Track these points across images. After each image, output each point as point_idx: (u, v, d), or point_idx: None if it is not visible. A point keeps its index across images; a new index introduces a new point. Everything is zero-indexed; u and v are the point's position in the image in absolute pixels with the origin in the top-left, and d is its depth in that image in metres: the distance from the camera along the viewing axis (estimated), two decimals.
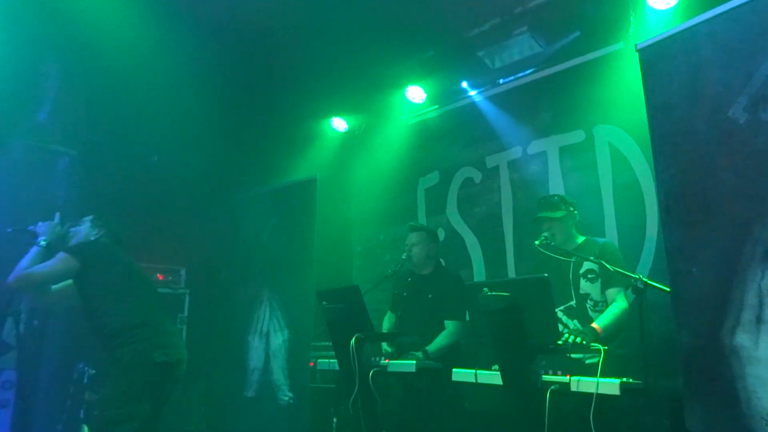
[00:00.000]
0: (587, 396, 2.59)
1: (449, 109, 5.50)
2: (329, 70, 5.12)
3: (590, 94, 4.40)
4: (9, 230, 3.76)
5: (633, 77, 3.44)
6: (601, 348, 2.75)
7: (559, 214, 3.54)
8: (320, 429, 4.21)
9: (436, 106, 5.55)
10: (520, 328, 2.72)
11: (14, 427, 4.79)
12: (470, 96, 5.28)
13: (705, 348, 2.50)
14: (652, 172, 3.88)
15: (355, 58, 4.91)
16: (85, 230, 3.71)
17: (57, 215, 3.71)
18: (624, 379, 2.59)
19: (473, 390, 3.20)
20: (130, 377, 3.22)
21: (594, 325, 3.19)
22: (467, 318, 3.89)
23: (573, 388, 2.68)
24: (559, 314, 3.50)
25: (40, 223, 3.60)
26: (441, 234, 5.21)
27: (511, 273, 4.78)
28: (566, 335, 2.97)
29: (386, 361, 3.63)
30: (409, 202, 5.67)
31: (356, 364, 3.41)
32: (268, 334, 5.31)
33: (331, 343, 3.80)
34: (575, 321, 3.44)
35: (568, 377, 2.71)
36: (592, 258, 3.33)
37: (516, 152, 4.94)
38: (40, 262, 3.40)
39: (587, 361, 3.18)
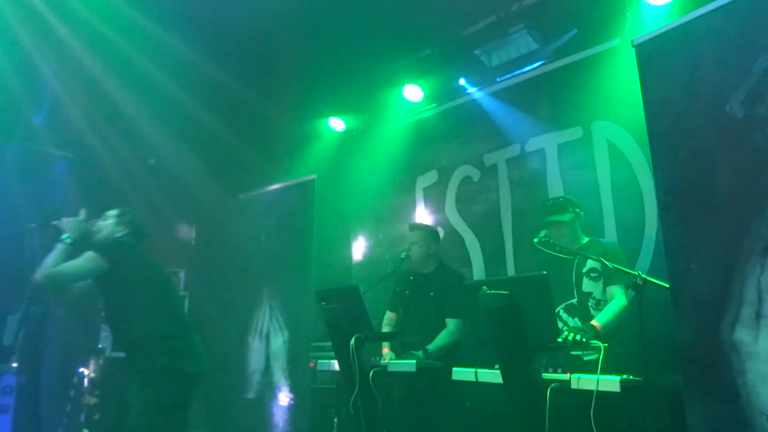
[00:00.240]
0: (587, 393, 2.59)
1: (447, 108, 5.48)
2: (326, 70, 5.11)
3: (588, 91, 4.39)
4: (33, 225, 3.60)
5: (630, 73, 3.44)
6: (601, 345, 2.75)
7: (567, 217, 3.56)
8: (321, 429, 4.22)
9: (434, 105, 5.54)
10: (519, 326, 2.71)
11: (16, 430, 4.79)
12: (468, 94, 5.27)
13: (705, 344, 2.50)
14: (650, 169, 3.87)
15: (352, 57, 4.91)
16: (110, 226, 3.50)
17: (83, 212, 3.51)
18: (624, 376, 2.59)
19: (474, 389, 3.20)
20: (162, 388, 3.13)
21: (594, 322, 3.19)
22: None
23: (573, 386, 2.67)
24: (561, 312, 3.51)
25: (63, 219, 3.40)
26: (440, 233, 5.20)
27: (511, 271, 4.77)
28: (566, 333, 2.97)
29: (387, 361, 3.63)
30: (408, 201, 5.66)
31: (356, 364, 3.41)
32: (268, 335, 5.31)
33: (330, 344, 3.80)
34: (576, 319, 3.44)
35: (568, 375, 2.71)
36: (592, 255, 3.33)
37: (514, 150, 4.93)
38: (65, 260, 3.24)
39: (586, 358, 3.18)
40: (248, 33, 4.77)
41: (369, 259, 5.87)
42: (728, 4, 2.56)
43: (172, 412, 3.16)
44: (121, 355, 5.07)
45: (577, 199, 3.71)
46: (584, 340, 2.91)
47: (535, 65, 4.79)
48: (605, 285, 3.42)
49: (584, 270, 3.50)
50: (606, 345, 2.77)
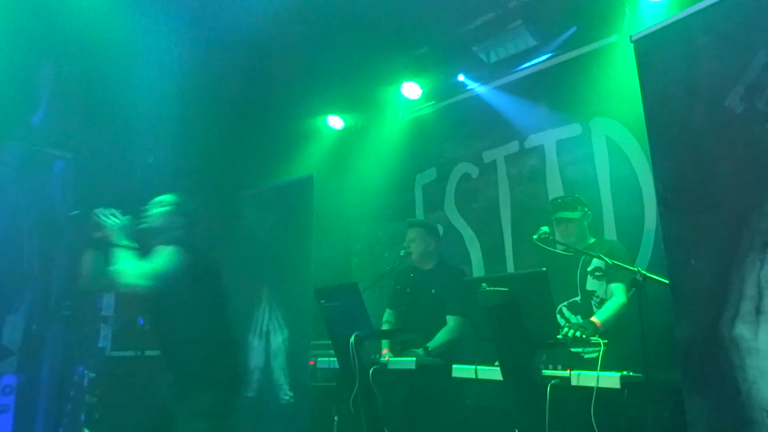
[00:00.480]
0: (588, 390, 2.59)
1: (445, 105, 5.48)
2: (324, 68, 5.10)
3: (586, 87, 4.39)
4: (74, 213, 3.20)
5: (629, 69, 3.43)
6: (601, 342, 2.75)
7: (576, 214, 3.58)
8: (321, 427, 4.21)
9: (432, 102, 5.54)
10: (519, 323, 2.71)
11: (16, 430, 4.79)
12: (466, 91, 5.26)
13: (704, 340, 2.49)
14: (649, 164, 3.87)
15: (350, 55, 4.90)
16: (167, 216, 3.21)
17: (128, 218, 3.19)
18: (624, 373, 2.59)
19: (474, 386, 3.20)
20: (220, 394, 2.97)
21: (593, 319, 3.19)
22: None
23: (573, 383, 2.68)
24: (563, 309, 3.52)
25: (101, 209, 3.09)
26: (439, 230, 5.20)
27: (510, 268, 4.77)
28: (566, 329, 2.97)
29: (386, 358, 3.63)
30: (407, 199, 5.66)
31: (356, 362, 3.41)
32: (267, 333, 5.31)
33: (330, 342, 3.79)
34: (578, 316, 3.45)
35: (568, 372, 2.71)
36: (591, 252, 3.34)
37: (513, 147, 4.92)
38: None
39: (587, 356, 3.19)
40: (246, 31, 4.76)
41: (368, 257, 5.87)
42: None
43: (226, 419, 3.02)
44: (123, 354, 5.10)
45: (585, 199, 3.73)
46: (584, 336, 2.91)
47: (534, 62, 4.79)
48: (607, 283, 3.42)
49: (589, 269, 3.51)
50: (606, 342, 2.77)
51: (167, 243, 3.05)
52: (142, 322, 5.24)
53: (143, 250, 3.08)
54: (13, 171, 4.98)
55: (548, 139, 4.69)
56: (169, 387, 3.07)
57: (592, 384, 2.58)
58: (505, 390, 2.88)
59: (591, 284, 3.47)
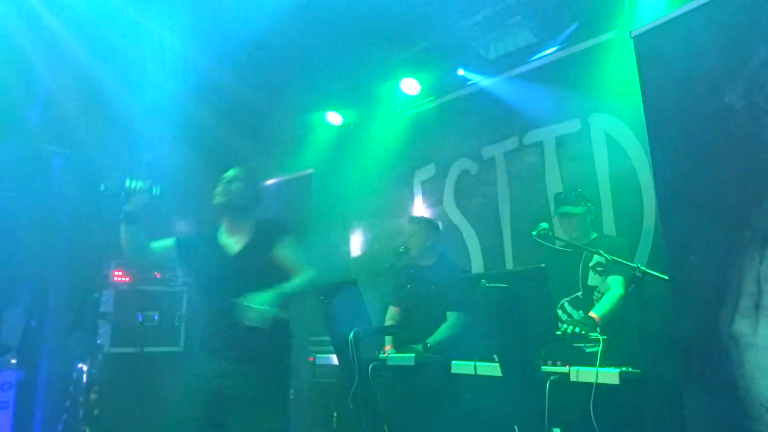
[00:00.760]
0: (587, 386, 2.59)
1: (444, 101, 5.46)
2: (323, 64, 5.08)
3: (585, 83, 4.38)
4: (103, 188, 2.89)
5: (628, 65, 3.42)
6: (600, 338, 2.75)
7: (580, 209, 3.59)
8: (320, 424, 4.22)
9: (432, 98, 5.52)
10: (518, 319, 2.71)
11: (15, 427, 4.79)
12: (465, 87, 5.25)
13: (704, 335, 2.50)
14: (648, 160, 3.86)
15: (348, 51, 4.88)
16: (247, 194, 3.02)
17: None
18: (623, 369, 2.59)
19: (473, 382, 3.20)
20: (287, 388, 2.88)
21: (592, 313, 3.19)
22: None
23: (572, 378, 2.68)
24: (566, 305, 3.53)
25: (130, 180, 2.88)
26: (439, 226, 5.19)
27: (509, 264, 4.77)
28: (564, 326, 2.97)
29: (385, 354, 3.63)
30: (406, 195, 5.65)
31: (355, 358, 3.41)
32: None
33: (329, 338, 3.79)
34: (580, 312, 3.44)
35: (567, 367, 2.71)
36: (590, 248, 3.34)
37: (512, 143, 4.91)
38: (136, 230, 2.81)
39: (588, 350, 3.19)
40: (245, 27, 4.74)
41: (367, 254, 5.86)
42: None
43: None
44: (122, 350, 5.10)
45: (588, 194, 3.73)
46: (583, 332, 2.91)
47: (533, 58, 4.77)
48: (606, 276, 3.43)
49: (591, 264, 3.52)
50: (605, 337, 2.77)
51: (248, 221, 2.97)
52: (141, 318, 5.23)
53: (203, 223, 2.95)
54: (10, 167, 4.96)
55: (547, 135, 4.68)
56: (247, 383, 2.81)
57: (591, 380, 2.58)
58: (505, 386, 2.89)
59: (593, 279, 3.47)
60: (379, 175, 5.80)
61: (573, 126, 4.52)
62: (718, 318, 2.44)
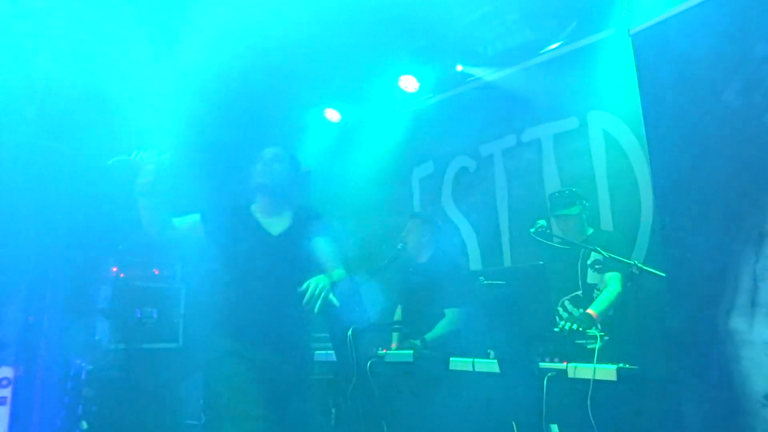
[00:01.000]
0: (584, 382, 2.60)
1: (443, 98, 5.47)
2: (321, 61, 5.08)
3: (584, 81, 4.39)
4: (114, 160, 2.80)
5: (626, 63, 3.43)
6: (598, 335, 2.77)
7: (575, 210, 3.62)
8: (319, 420, 4.22)
9: (430, 95, 5.53)
10: (516, 316, 2.73)
11: (13, 423, 4.79)
12: (463, 84, 5.26)
13: (700, 332, 2.51)
14: (646, 158, 3.88)
15: (347, 48, 4.88)
16: (289, 176, 2.89)
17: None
18: (620, 365, 2.61)
19: (471, 378, 3.21)
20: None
21: (589, 310, 3.20)
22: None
23: (570, 375, 2.69)
24: (566, 303, 3.54)
25: (141, 150, 2.70)
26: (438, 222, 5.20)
27: (507, 261, 4.78)
28: (562, 323, 2.99)
29: (384, 351, 3.64)
30: (404, 192, 5.66)
31: (354, 355, 3.41)
32: None
33: (328, 335, 3.80)
34: (581, 310, 3.46)
35: (564, 364, 2.72)
36: (587, 246, 3.35)
37: (510, 140, 4.92)
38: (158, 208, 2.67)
39: (589, 347, 3.20)
40: (243, 25, 4.73)
41: (365, 251, 5.87)
42: None
43: None
44: (120, 346, 5.10)
45: (583, 192, 3.74)
46: (581, 329, 2.93)
47: (531, 55, 4.78)
48: (603, 272, 3.44)
49: (589, 262, 3.54)
50: (602, 334, 2.78)
51: (287, 206, 2.83)
52: (139, 315, 5.24)
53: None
54: (9, 163, 4.95)
55: (545, 132, 4.69)
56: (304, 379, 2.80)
57: (589, 376, 2.60)
58: (503, 382, 2.90)
59: (591, 277, 3.49)
60: (377, 172, 5.80)
61: (571, 123, 4.53)
62: (714, 314, 2.45)
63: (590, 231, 3.68)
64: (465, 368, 3.16)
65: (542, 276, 2.75)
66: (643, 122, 2.86)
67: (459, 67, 5.11)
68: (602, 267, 3.46)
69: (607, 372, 2.59)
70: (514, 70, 4.92)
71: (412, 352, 3.50)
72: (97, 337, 4.99)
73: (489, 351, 3.05)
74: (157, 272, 5.55)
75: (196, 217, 2.86)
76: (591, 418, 2.53)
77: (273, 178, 2.83)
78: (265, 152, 2.89)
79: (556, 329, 2.85)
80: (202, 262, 5.39)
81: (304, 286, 2.43)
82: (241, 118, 5.84)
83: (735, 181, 2.44)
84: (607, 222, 4.19)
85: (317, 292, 2.42)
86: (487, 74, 5.07)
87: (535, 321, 2.77)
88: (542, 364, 2.78)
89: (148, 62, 4.71)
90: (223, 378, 2.65)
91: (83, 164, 5.29)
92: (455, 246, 5.09)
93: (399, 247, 4.17)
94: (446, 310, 3.94)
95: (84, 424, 4.57)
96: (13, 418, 4.79)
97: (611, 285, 3.36)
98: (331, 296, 2.47)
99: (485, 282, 2.75)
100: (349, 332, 3.42)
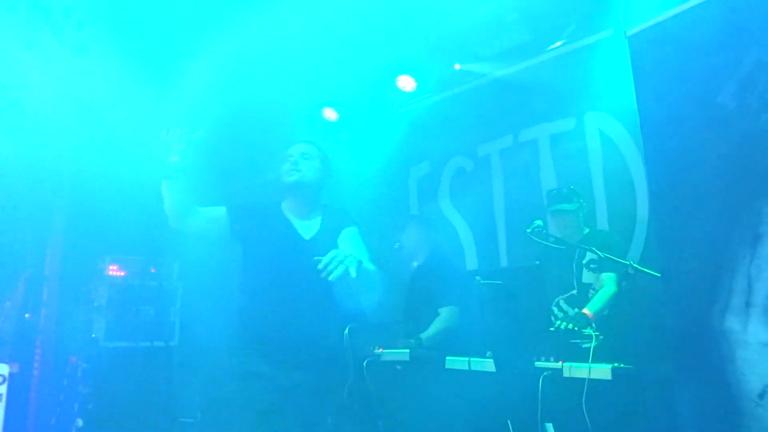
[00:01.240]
0: (579, 381, 2.62)
1: (440, 98, 5.48)
2: (319, 60, 5.08)
3: (581, 82, 4.41)
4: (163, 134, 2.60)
5: (623, 64, 3.44)
6: (593, 334, 2.78)
7: (573, 206, 3.62)
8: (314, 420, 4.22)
9: (427, 95, 5.54)
10: (512, 315, 2.74)
11: (8, 420, 4.78)
12: (461, 84, 5.27)
13: (695, 332, 2.52)
14: (642, 159, 3.90)
15: (345, 47, 4.88)
16: (321, 173, 2.73)
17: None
18: (616, 364, 2.62)
19: (467, 377, 3.23)
20: None
21: (585, 310, 3.22)
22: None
23: (565, 374, 2.70)
24: (561, 303, 3.55)
25: (168, 128, 2.53)
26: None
27: (504, 262, 4.80)
28: (558, 322, 3.00)
29: (380, 350, 3.65)
30: (401, 192, 5.67)
31: (350, 354, 3.42)
32: None
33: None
34: (576, 310, 3.47)
35: (560, 363, 2.74)
36: (584, 246, 3.37)
37: (507, 141, 4.94)
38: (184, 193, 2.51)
39: (584, 345, 3.22)
40: (241, 23, 4.73)
41: None
42: None
43: None
44: (117, 344, 5.09)
45: (581, 190, 3.75)
46: (576, 329, 2.94)
47: (529, 56, 4.79)
48: (599, 272, 3.45)
49: (584, 261, 3.55)
50: (598, 334, 2.80)
51: (317, 205, 2.66)
52: (136, 312, 5.23)
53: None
54: (7, 162, 4.94)
55: (542, 133, 4.71)
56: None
57: (584, 375, 2.61)
58: (498, 381, 2.91)
59: (587, 277, 3.50)
60: (374, 172, 5.80)
61: (568, 124, 4.55)
62: (709, 315, 2.46)
63: (586, 230, 3.69)
64: (461, 367, 3.16)
65: (538, 276, 2.76)
66: (639, 123, 2.88)
67: (457, 66, 5.12)
68: (598, 267, 3.47)
69: (602, 371, 2.60)
70: (511, 70, 4.93)
71: (408, 351, 3.50)
72: (93, 335, 4.98)
73: (488, 351, 3.05)
74: (153, 270, 5.54)
75: (222, 209, 2.65)
76: (586, 418, 2.54)
77: (304, 175, 2.63)
78: (293, 149, 2.70)
79: (551, 329, 2.86)
80: (207, 261, 5.41)
81: (328, 254, 2.16)
82: (239, 118, 5.83)
83: (730, 182, 2.46)
84: (603, 222, 4.21)
85: (342, 257, 2.14)
86: (484, 75, 5.08)
87: (530, 320, 2.78)
88: (538, 364, 2.79)
89: (142, 57, 4.72)
90: (248, 404, 2.43)
91: (81, 161, 5.28)
92: (452, 246, 5.10)
93: (396, 247, 4.18)
94: (440, 309, 3.95)
95: (80, 422, 4.57)
96: (9, 415, 4.78)
97: (607, 285, 3.37)
98: (352, 269, 2.14)
99: (482, 281, 2.76)
100: (346, 331, 3.43)
